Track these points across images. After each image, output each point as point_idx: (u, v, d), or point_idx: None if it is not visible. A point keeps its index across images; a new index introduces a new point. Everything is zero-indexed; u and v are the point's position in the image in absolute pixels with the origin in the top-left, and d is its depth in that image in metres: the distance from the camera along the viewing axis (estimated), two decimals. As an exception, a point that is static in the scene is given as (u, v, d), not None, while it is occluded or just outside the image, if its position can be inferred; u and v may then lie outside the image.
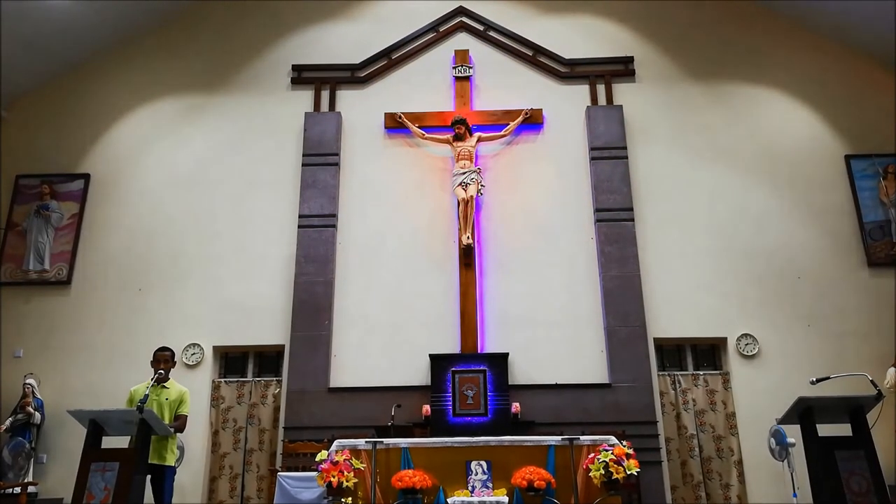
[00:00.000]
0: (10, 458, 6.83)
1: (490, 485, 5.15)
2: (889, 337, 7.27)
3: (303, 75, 8.61)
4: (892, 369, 6.99)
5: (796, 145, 8.17)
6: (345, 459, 5.07)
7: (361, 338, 7.47)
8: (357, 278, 7.70)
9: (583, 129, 8.25)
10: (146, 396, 4.66)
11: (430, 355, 7.13)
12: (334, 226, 7.85)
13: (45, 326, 7.63)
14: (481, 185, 7.78)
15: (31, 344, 7.56)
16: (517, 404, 6.79)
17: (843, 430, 4.59)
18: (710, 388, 7.39)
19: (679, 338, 7.53)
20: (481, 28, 8.78)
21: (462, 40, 8.75)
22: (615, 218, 7.74)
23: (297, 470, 6.17)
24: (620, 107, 8.26)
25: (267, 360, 7.71)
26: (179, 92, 8.61)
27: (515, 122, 8.12)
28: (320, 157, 8.10)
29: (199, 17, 8.95)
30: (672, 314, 7.47)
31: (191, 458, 6.89)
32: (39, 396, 7.20)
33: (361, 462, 5.19)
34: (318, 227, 7.81)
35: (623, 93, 8.42)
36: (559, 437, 5.34)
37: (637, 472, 5.04)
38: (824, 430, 4.56)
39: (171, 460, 4.99)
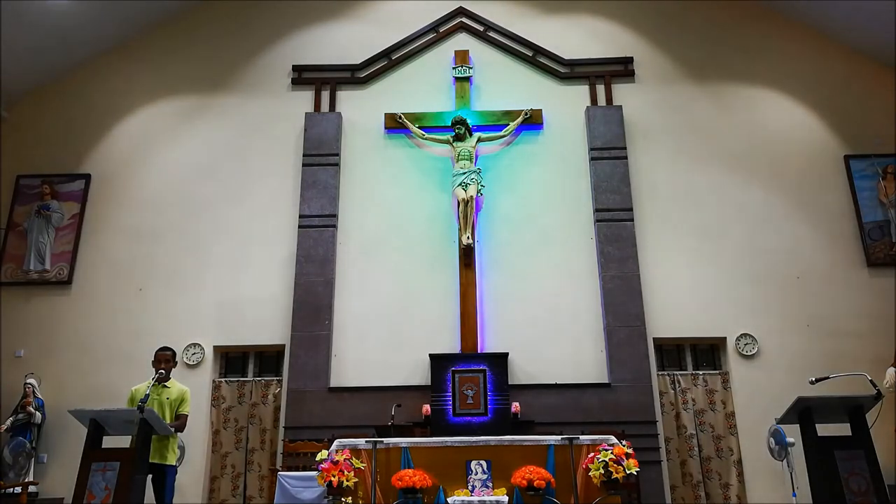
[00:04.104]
0: (11, 458, 6.84)
1: (490, 484, 5.16)
2: (888, 337, 7.27)
3: (303, 75, 8.62)
4: (892, 369, 7.00)
5: (796, 145, 8.18)
6: (345, 459, 5.09)
7: (361, 338, 7.47)
8: (357, 278, 7.71)
9: (582, 130, 8.26)
10: (147, 396, 4.67)
11: (430, 355, 7.14)
12: (334, 226, 7.86)
13: (45, 326, 7.64)
14: (481, 185, 7.78)
15: (32, 344, 7.57)
16: (517, 404, 6.80)
17: (843, 429, 4.60)
18: (709, 388, 7.40)
19: (678, 338, 7.54)
20: (481, 28, 8.78)
21: (462, 41, 8.76)
22: (615, 218, 7.75)
23: (297, 469, 6.18)
24: (620, 107, 8.27)
25: (267, 359, 7.72)
26: (180, 92, 8.61)
27: (515, 122, 8.13)
28: (320, 157, 8.11)
29: (200, 17, 8.95)
30: (671, 314, 7.48)
31: (191, 457, 6.90)
32: (40, 396, 7.20)
33: (362, 461, 5.21)
34: (318, 227, 7.82)
35: (623, 93, 8.43)
36: (559, 437, 5.36)
37: (636, 471, 5.05)
38: (824, 429, 4.57)
39: (171, 460, 5.00)
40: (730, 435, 7.19)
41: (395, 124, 8.26)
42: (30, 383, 7.17)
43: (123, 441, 4.71)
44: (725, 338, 7.44)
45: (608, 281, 7.50)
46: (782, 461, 6.07)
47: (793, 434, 5.33)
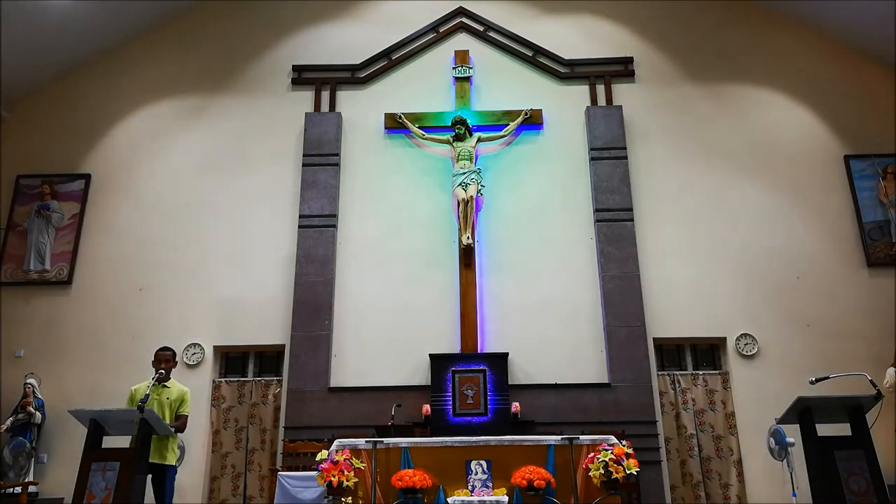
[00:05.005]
0: (11, 458, 6.84)
1: (490, 484, 5.16)
2: (888, 337, 7.27)
3: (303, 76, 8.62)
4: (892, 369, 6.99)
5: (796, 145, 8.18)
6: (345, 459, 5.09)
7: (361, 338, 7.47)
8: (357, 278, 7.71)
9: (583, 130, 8.26)
10: (147, 396, 4.67)
11: (430, 355, 7.14)
12: (334, 226, 7.86)
13: (45, 326, 7.64)
14: (481, 185, 7.79)
15: (32, 344, 7.57)
16: (517, 404, 6.80)
17: (843, 429, 4.60)
18: (709, 388, 7.40)
19: (678, 337, 7.53)
20: (481, 28, 8.79)
21: (462, 41, 8.76)
22: (615, 218, 7.75)
23: (297, 469, 6.18)
24: (620, 107, 8.27)
25: (267, 359, 7.72)
26: (180, 92, 8.61)
27: (515, 122, 8.13)
28: (320, 157, 8.11)
29: (199, 17, 8.96)
30: (672, 314, 7.48)
31: (191, 457, 6.89)
32: (40, 396, 7.20)
33: (361, 461, 5.21)
34: (318, 227, 7.82)
35: (623, 93, 8.43)
36: (559, 437, 5.36)
37: (636, 471, 5.05)
38: (823, 429, 4.57)
39: (171, 460, 5.00)
40: (730, 435, 7.19)
41: (395, 124, 8.26)
42: (30, 383, 7.17)
43: (123, 441, 4.71)
44: (725, 338, 7.44)
45: (608, 281, 7.50)
46: (782, 461, 6.06)
47: (793, 434, 5.33)
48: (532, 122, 8.22)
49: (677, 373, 7.50)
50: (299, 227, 7.83)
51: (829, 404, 4.65)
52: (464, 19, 8.85)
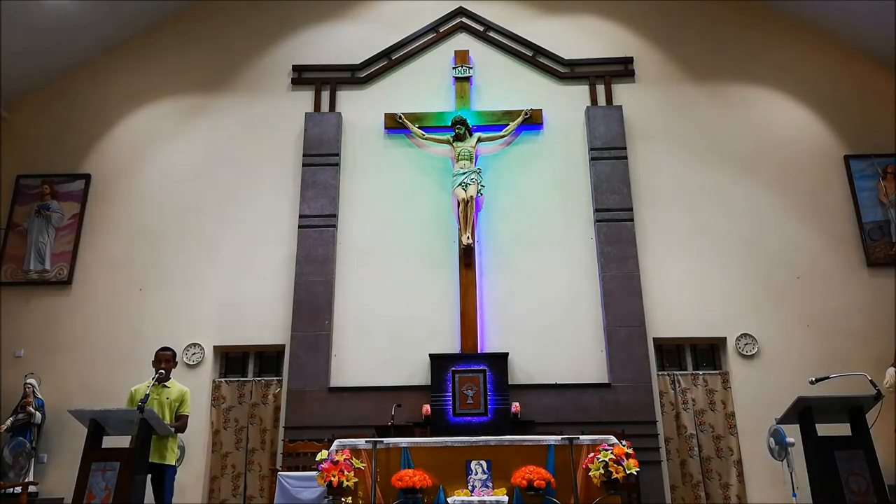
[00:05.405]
0: (11, 458, 6.84)
1: (490, 484, 5.16)
2: (888, 337, 7.27)
3: (303, 75, 8.62)
4: (892, 369, 7.00)
5: (796, 145, 8.18)
6: (345, 459, 5.09)
7: (361, 338, 7.47)
8: (357, 278, 7.71)
9: (582, 130, 8.26)
10: (147, 396, 4.67)
11: (430, 355, 7.14)
12: (334, 226, 7.86)
13: (45, 326, 7.64)
14: (481, 185, 7.79)
15: (32, 344, 7.57)
16: (517, 404, 6.80)
17: (843, 429, 4.60)
18: (709, 388, 7.40)
19: (678, 338, 7.53)
20: (481, 28, 8.79)
21: (462, 41, 8.76)
22: (615, 218, 7.76)
23: (297, 469, 6.18)
24: (620, 107, 8.27)
25: (267, 360, 7.72)
26: (180, 92, 8.62)
27: (515, 122, 8.13)
28: (320, 157, 8.11)
29: (200, 17, 8.96)
30: (672, 314, 7.48)
31: (191, 457, 6.90)
32: (40, 396, 7.20)
33: (361, 461, 5.21)
34: (318, 227, 7.82)
35: (623, 93, 8.43)
36: (559, 437, 5.36)
37: (636, 471, 5.06)
38: (823, 429, 4.57)
39: (171, 459, 5.00)
40: (730, 435, 7.19)
41: (395, 124, 8.26)
42: (30, 383, 7.17)
43: (123, 441, 4.71)
44: (725, 338, 7.44)
45: (608, 281, 7.50)
46: (782, 461, 6.06)
47: (793, 434, 5.32)
48: (532, 122, 8.22)
49: (677, 373, 7.50)
50: (299, 227, 7.83)
51: (829, 404, 4.65)
52: (464, 19, 8.85)
